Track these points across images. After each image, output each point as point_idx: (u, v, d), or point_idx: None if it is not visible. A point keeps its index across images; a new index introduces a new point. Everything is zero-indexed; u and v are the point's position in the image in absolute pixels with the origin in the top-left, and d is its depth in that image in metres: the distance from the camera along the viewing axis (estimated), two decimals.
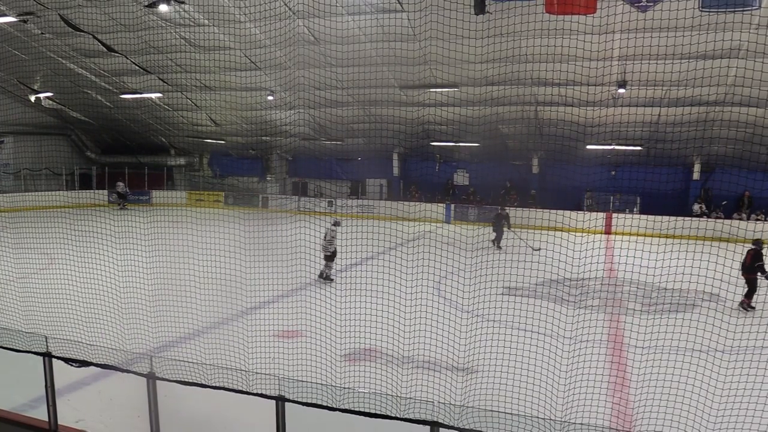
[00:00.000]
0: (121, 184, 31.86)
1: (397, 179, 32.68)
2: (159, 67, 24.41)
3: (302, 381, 4.74)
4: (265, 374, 4.79)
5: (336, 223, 14.31)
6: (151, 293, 9.71)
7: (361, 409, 4.34)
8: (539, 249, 16.43)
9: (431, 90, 23.15)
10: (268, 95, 25.68)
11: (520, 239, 18.73)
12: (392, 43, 19.28)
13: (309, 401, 4.43)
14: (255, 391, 4.58)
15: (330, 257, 14.14)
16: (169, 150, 35.64)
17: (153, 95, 27.93)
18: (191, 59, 23.22)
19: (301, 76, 21.02)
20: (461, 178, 32.05)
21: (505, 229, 20.40)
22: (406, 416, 4.25)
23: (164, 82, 25.82)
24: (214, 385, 4.88)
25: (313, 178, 34.16)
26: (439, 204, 29.05)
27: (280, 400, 4.49)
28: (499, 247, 19.83)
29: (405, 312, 8.50)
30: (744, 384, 6.41)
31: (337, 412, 4.35)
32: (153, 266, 9.76)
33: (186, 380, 4.85)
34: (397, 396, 5.00)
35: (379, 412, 4.30)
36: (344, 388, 4.70)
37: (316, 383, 4.59)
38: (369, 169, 32.17)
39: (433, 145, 29.22)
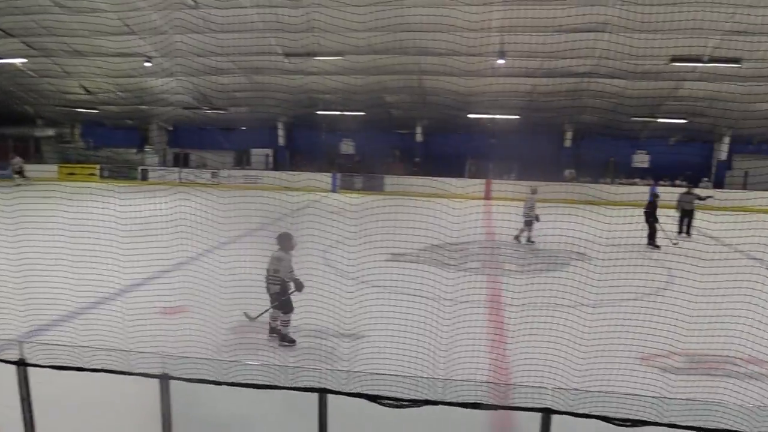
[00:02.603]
0: (17, 158, 28.60)
1: (283, 149, 32.28)
2: (22, 30, 22.43)
3: (187, 357, 4.67)
4: (148, 352, 4.67)
5: (533, 191, 16.12)
6: (17, 275, 9.05)
7: (249, 382, 4.35)
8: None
9: (316, 58, 22.90)
10: (145, 62, 24.36)
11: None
12: (275, 8, 18.84)
13: (194, 377, 4.38)
14: (136, 372, 4.46)
15: (529, 223, 15.83)
16: (36, 120, 33.02)
17: (16, 60, 25.67)
18: (59, 22, 21.49)
19: (179, 42, 20.08)
20: (347, 147, 32.20)
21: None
22: (295, 386, 4.30)
23: (29, 46, 23.77)
24: (90, 368, 4.69)
25: (196, 148, 33.11)
26: (324, 173, 29.08)
27: (164, 378, 4.41)
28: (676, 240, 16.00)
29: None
30: (606, 333, 7.01)
31: (224, 386, 4.33)
32: (19, 247, 9.09)
33: (61, 365, 4.63)
34: (284, 366, 5.05)
35: (266, 383, 4.33)
36: (230, 361, 4.68)
37: (203, 359, 4.54)
38: (254, 138, 31.59)
39: (319, 114, 29.04)
